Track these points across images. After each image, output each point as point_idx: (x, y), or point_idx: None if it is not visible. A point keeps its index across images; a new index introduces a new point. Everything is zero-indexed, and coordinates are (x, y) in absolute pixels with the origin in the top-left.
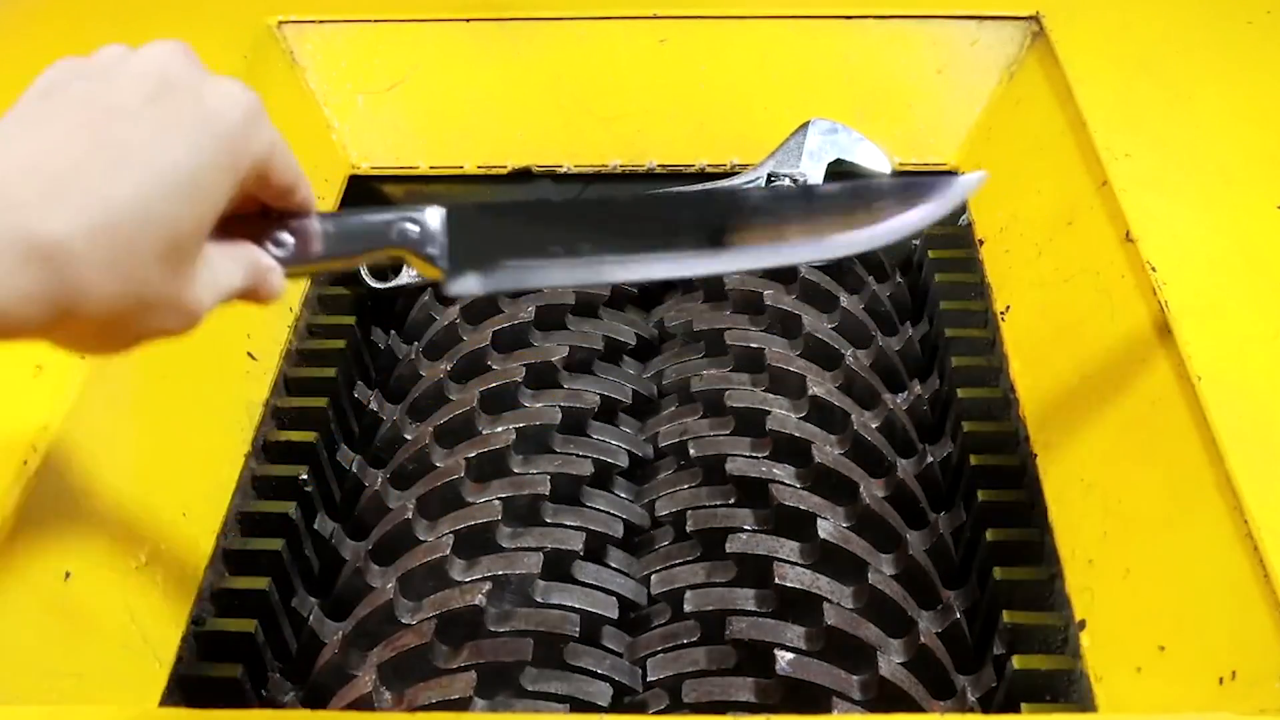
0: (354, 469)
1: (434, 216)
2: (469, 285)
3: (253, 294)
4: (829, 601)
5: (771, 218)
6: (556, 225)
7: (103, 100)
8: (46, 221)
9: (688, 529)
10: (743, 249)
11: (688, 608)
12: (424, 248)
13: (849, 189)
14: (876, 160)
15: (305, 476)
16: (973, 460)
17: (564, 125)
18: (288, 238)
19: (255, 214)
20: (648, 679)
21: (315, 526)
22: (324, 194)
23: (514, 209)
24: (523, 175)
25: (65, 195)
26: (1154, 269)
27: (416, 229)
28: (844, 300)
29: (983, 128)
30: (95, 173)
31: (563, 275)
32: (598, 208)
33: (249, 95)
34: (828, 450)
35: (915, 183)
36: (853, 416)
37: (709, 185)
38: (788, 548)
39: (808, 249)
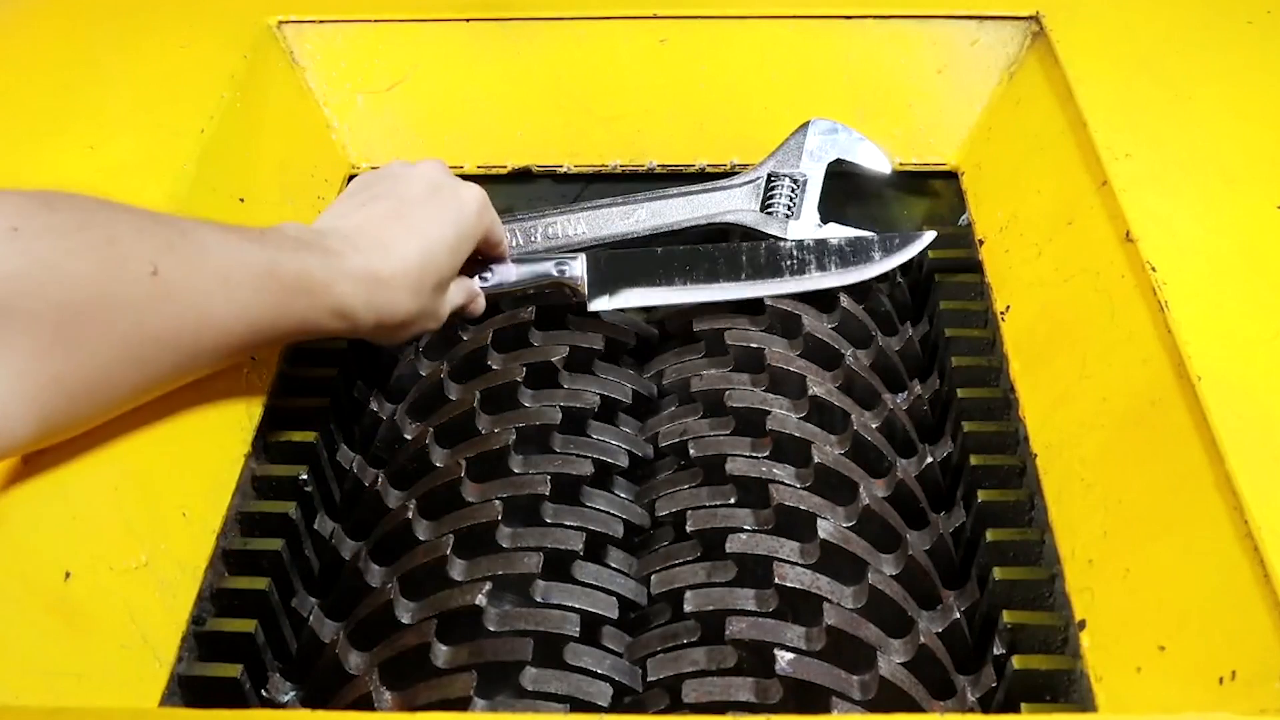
0: (354, 469)
1: (579, 260)
2: (602, 304)
3: (468, 310)
4: (829, 601)
5: (796, 260)
6: (657, 264)
7: (398, 194)
8: (379, 263)
9: (688, 529)
10: (778, 279)
11: (688, 608)
12: (574, 280)
13: (848, 240)
14: (876, 160)
15: (305, 476)
16: (973, 460)
17: (564, 125)
18: (489, 274)
19: (471, 257)
20: (648, 679)
21: (315, 526)
22: (324, 194)
23: (630, 255)
24: (523, 175)
25: (388, 249)
26: (1154, 269)
27: (568, 268)
28: (844, 300)
29: (983, 128)
30: (402, 238)
31: (660, 297)
32: (685, 253)
33: (481, 192)
34: (828, 450)
35: (889, 236)
36: (853, 416)
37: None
38: (788, 548)
39: (819, 280)
